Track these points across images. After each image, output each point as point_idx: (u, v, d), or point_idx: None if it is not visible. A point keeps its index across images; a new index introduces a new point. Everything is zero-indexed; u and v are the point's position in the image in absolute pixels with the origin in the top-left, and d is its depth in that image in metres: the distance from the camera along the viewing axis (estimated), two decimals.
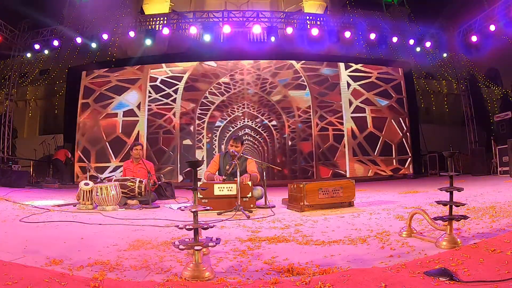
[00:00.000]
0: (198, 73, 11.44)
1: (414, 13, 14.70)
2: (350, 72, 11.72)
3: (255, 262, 1.71)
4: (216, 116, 11.30)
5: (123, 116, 11.11)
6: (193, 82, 11.36)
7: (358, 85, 11.62)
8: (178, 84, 11.28)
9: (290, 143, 11.29)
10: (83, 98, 11.33)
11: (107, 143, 10.96)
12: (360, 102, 11.53)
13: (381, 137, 11.42)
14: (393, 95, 11.81)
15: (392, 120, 11.62)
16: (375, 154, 11.30)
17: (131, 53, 12.43)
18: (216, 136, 11.23)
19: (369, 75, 11.78)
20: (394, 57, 11.96)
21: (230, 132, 11.11)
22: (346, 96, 11.52)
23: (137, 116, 11.10)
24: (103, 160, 10.83)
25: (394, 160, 11.41)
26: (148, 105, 11.17)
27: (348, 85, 11.62)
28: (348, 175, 10.94)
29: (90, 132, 11.10)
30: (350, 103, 11.49)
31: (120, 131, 11.01)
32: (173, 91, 11.23)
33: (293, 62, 11.56)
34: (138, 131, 11.02)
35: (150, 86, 11.29)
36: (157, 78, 11.33)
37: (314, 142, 11.21)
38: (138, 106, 11.20)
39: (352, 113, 11.45)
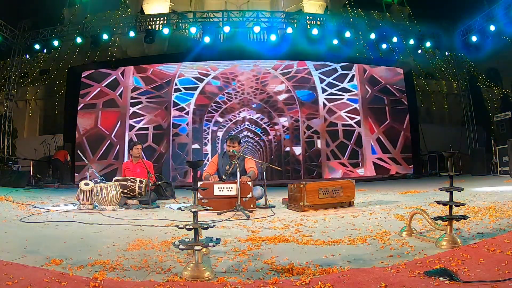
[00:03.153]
0: (197, 72, 11.49)
1: (414, 13, 14.70)
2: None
3: (255, 262, 1.71)
4: (216, 117, 11.34)
5: (153, 130, 11.42)
6: (199, 91, 11.50)
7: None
8: (189, 100, 11.49)
9: (285, 145, 11.41)
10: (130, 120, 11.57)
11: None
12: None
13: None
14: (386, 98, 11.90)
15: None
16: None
17: (131, 53, 12.44)
18: (208, 136, 11.39)
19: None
20: (394, 57, 11.96)
21: (234, 133, 11.15)
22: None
23: (163, 129, 11.41)
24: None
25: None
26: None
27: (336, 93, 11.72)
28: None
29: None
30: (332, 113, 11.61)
31: (151, 141, 11.32)
32: (186, 105, 11.51)
33: (293, 62, 11.58)
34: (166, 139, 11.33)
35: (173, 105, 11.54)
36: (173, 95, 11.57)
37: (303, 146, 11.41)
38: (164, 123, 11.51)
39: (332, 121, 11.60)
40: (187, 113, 11.45)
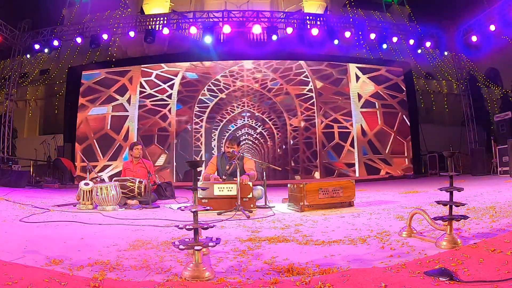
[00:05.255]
0: (198, 72, 11.34)
1: (414, 13, 14.73)
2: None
3: (255, 262, 1.71)
4: (216, 116, 11.24)
5: (112, 111, 10.00)
6: (191, 79, 11.15)
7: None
8: (174, 79, 10.77)
9: (291, 142, 11.00)
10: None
11: (94, 140, 10.29)
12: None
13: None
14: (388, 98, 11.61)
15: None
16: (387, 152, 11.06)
17: (131, 53, 12.44)
18: (215, 135, 11.04)
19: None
20: (394, 57, 11.96)
21: (230, 131, 11.03)
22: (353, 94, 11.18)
23: (126, 111, 10.05)
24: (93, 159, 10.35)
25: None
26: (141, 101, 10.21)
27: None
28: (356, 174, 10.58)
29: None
30: (358, 99, 11.01)
31: (108, 127, 10.06)
32: (168, 86, 10.40)
33: (293, 62, 11.54)
34: (128, 127, 10.07)
35: (145, 81, 10.50)
36: (152, 73, 10.64)
37: (318, 141, 10.68)
38: (128, 101, 10.24)
39: (361, 108, 11.02)
40: (169, 96, 10.04)
